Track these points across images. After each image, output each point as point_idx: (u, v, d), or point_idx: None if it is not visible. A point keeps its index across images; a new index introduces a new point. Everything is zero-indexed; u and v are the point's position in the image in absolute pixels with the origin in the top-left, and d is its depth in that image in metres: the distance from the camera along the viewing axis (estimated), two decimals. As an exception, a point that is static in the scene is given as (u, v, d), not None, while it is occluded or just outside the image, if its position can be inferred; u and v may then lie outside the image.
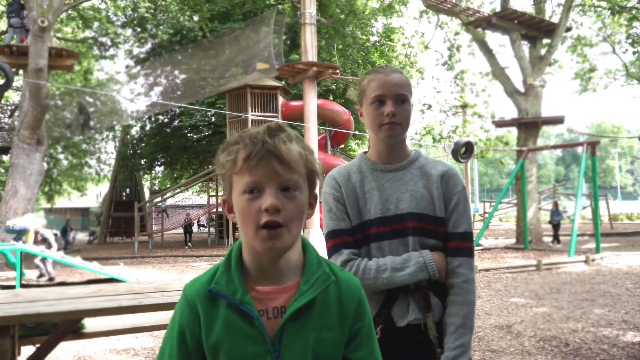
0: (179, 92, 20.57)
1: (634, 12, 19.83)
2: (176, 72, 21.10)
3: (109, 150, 30.77)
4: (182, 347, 1.02)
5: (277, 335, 0.98)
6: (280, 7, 19.33)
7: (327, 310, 1.01)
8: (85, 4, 19.91)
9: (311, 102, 13.93)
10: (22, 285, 8.37)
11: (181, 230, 22.09)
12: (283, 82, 17.19)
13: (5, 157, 21.73)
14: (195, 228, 25.35)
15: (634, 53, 22.26)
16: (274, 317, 1.00)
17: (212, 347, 1.00)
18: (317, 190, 1.03)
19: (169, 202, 22.84)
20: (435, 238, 1.54)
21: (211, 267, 1.08)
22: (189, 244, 20.10)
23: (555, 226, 15.75)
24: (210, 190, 20.42)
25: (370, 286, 1.49)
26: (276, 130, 0.98)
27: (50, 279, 9.95)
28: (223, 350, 0.99)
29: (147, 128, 25.10)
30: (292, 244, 0.99)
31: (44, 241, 10.00)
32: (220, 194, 18.98)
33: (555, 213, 15.84)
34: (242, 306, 0.98)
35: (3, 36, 17.33)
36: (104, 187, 32.48)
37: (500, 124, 18.67)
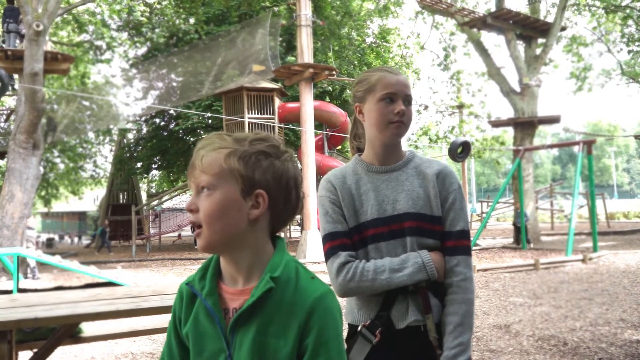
0: (175, 95, 20.55)
1: (628, 10, 19.91)
2: (172, 75, 21.08)
3: (105, 154, 30.77)
4: (176, 335, 1.12)
5: (229, 335, 1.03)
6: (275, 9, 19.32)
7: (277, 316, 1.01)
8: (81, 8, 19.89)
9: (307, 104, 13.95)
10: (19, 290, 8.34)
11: (179, 233, 22.03)
12: (279, 84, 17.19)
13: (1, 162, 21.67)
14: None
15: (628, 52, 22.37)
16: (232, 317, 1.05)
17: (185, 337, 1.09)
18: (259, 190, 1.04)
19: (166, 205, 22.79)
20: (433, 237, 1.54)
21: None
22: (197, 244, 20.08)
23: (519, 228, 15.56)
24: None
25: (368, 288, 1.48)
26: (204, 142, 1.07)
27: None
28: (190, 341, 1.07)
29: (144, 131, 25.06)
30: (223, 242, 1.04)
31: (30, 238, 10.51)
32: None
33: (520, 215, 15.72)
34: (205, 302, 1.05)
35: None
36: (101, 190, 32.43)
37: (496, 123, 18.72)
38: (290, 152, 1.10)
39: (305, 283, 1.05)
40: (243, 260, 1.06)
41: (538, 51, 16.94)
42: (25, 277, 11.36)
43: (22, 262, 10.36)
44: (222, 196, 1.03)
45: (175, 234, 23.00)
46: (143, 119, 23.95)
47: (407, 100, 1.57)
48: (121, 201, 27.83)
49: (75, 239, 34.70)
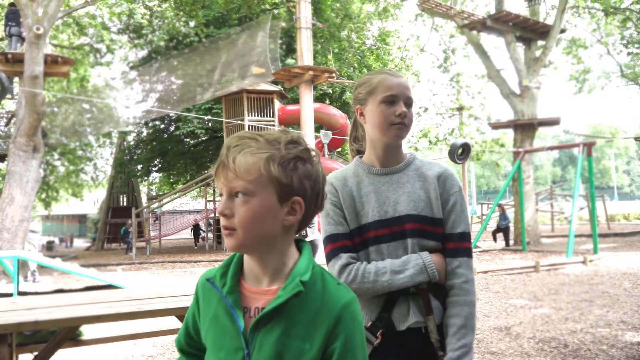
0: (175, 98, 20.57)
1: (627, 13, 19.94)
2: (172, 78, 21.11)
3: (105, 157, 30.78)
4: (187, 330, 1.17)
5: (250, 334, 1.02)
6: (275, 11, 19.36)
7: (302, 320, 1.01)
8: (81, 11, 19.92)
9: (307, 106, 13.96)
10: (20, 293, 8.33)
11: (179, 236, 21.98)
12: (279, 87, 17.21)
13: (1, 165, 21.66)
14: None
15: (628, 54, 22.40)
16: (253, 316, 1.04)
17: (204, 334, 1.10)
18: (297, 197, 1.03)
19: (167, 207, 22.77)
20: (434, 239, 1.54)
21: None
22: (197, 246, 20.16)
23: (503, 230, 15.89)
24: (207, 195, 20.39)
25: (369, 290, 1.49)
26: (235, 142, 1.03)
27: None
28: (209, 338, 1.08)
29: (144, 134, 25.08)
30: (256, 245, 1.03)
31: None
32: (217, 198, 18.95)
33: (502, 217, 15.89)
34: (226, 299, 1.05)
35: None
36: (101, 193, 32.43)
37: (496, 125, 18.72)
38: (317, 152, 1.09)
39: (332, 289, 1.06)
40: (270, 261, 1.06)
41: (538, 53, 16.95)
42: (26, 280, 11.36)
43: (23, 265, 10.37)
44: (259, 204, 1.01)
45: (175, 236, 22.95)
46: (143, 121, 23.97)
47: (408, 102, 1.58)
48: (121, 204, 27.82)
49: (73, 242, 34.44)
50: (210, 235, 22.39)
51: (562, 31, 17.77)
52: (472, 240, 1.62)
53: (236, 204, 1.01)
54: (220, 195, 1.05)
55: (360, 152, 1.71)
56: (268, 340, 1.00)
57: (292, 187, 1.02)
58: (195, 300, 1.13)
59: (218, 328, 1.06)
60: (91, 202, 42.35)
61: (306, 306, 1.02)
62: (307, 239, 10.66)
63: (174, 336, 1.31)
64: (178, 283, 10.34)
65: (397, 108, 1.55)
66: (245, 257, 1.09)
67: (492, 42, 39.35)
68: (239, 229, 1.01)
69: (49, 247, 27.95)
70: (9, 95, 13.90)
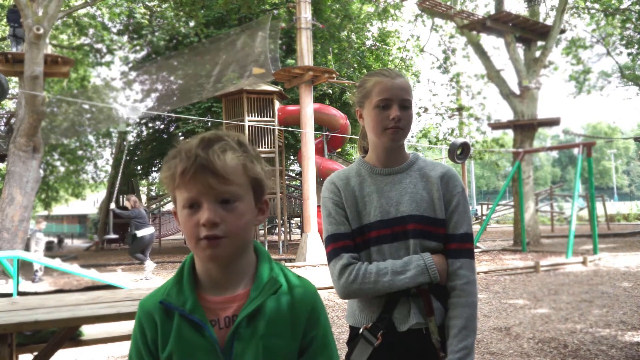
0: (175, 98, 20.57)
1: (627, 13, 19.95)
2: (172, 78, 21.10)
3: (105, 156, 30.81)
4: None
5: (227, 344, 0.99)
6: (275, 12, 19.36)
7: (278, 317, 1.00)
8: (81, 11, 19.93)
9: (307, 107, 13.94)
10: (20, 293, 8.32)
11: (179, 237, 21.90)
12: (279, 87, 17.20)
13: (1, 165, 21.66)
14: None
15: (628, 55, 22.40)
16: (225, 326, 1.00)
17: (165, 358, 1.00)
18: (266, 196, 1.05)
19: (167, 208, 22.75)
20: (436, 240, 1.54)
21: (166, 281, 1.08)
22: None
23: None
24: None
25: (370, 290, 1.48)
26: (211, 142, 0.97)
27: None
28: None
29: (144, 134, 25.07)
30: (237, 252, 1.00)
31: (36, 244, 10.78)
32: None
33: None
34: (191, 317, 0.99)
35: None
36: (102, 193, 32.41)
37: (496, 126, 18.71)
38: None
39: (296, 280, 1.06)
40: (238, 266, 1.03)
41: (537, 54, 16.94)
42: (34, 280, 11.42)
43: (24, 264, 10.40)
44: (246, 208, 0.99)
45: (175, 237, 22.93)
46: (143, 121, 23.98)
47: (404, 104, 1.56)
48: (121, 204, 27.79)
49: (76, 242, 34.28)
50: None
51: (562, 31, 17.77)
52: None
53: (224, 210, 0.96)
54: (191, 205, 0.96)
55: (367, 150, 1.71)
56: (249, 346, 0.98)
57: (264, 188, 1.03)
58: (150, 328, 1.03)
59: (185, 349, 0.99)
60: (91, 202, 42.32)
61: (279, 302, 1.01)
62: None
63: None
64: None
65: (391, 112, 1.54)
66: (201, 268, 1.04)
67: (492, 43, 39.41)
68: (228, 238, 0.96)
69: (48, 248, 27.94)
70: (8, 96, 13.91)
